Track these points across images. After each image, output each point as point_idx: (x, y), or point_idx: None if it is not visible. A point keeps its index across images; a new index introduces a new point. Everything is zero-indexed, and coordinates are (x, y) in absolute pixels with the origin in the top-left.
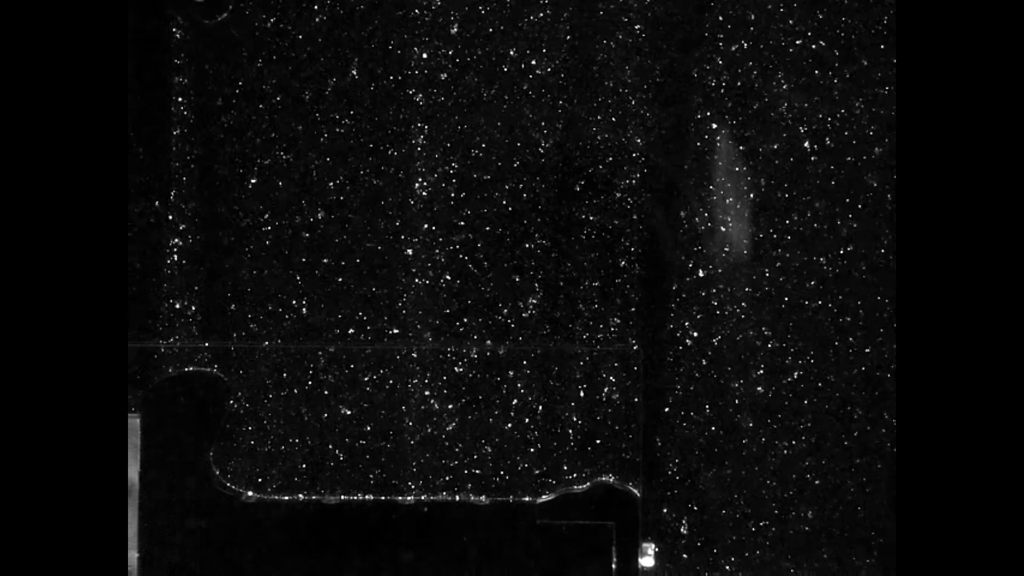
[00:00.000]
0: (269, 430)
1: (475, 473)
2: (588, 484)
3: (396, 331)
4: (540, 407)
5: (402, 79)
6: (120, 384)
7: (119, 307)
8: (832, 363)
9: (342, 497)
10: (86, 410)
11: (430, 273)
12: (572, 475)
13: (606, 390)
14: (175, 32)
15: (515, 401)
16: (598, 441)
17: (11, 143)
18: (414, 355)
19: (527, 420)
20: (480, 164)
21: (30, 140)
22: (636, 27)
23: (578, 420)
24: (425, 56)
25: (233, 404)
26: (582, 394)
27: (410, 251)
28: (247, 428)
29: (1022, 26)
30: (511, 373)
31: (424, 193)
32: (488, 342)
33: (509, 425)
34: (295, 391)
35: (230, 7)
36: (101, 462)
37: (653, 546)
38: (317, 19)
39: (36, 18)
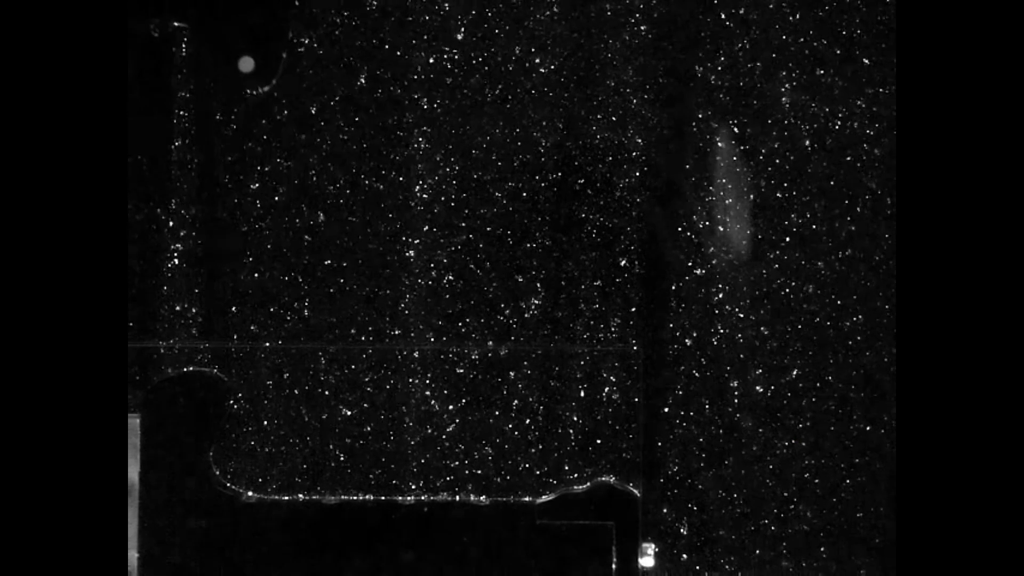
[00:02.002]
0: (269, 431)
1: (476, 473)
2: (588, 484)
3: (398, 332)
4: (541, 407)
5: (404, 81)
6: (120, 385)
7: (119, 309)
8: (832, 363)
9: (342, 497)
10: (86, 411)
11: (432, 274)
12: (573, 475)
13: (607, 390)
14: (176, 43)
15: (516, 401)
16: (599, 441)
17: (14, 150)
18: (415, 355)
19: (527, 420)
20: (481, 164)
21: (32, 147)
22: (638, 28)
23: (579, 420)
24: (427, 58)
25: (233, 405)
26: (582, 394)
27: (411, 252)
28: (247, 429)
29: (1022, 26)
30: (512, 373)
31: (425, 196)
32: (490, 343)
33: (510, 426)
34: (295, 392)
35: (274, 81)
36: (101, 462)
37: (653, 546)
38: (323, 26)
39: (37, 25)
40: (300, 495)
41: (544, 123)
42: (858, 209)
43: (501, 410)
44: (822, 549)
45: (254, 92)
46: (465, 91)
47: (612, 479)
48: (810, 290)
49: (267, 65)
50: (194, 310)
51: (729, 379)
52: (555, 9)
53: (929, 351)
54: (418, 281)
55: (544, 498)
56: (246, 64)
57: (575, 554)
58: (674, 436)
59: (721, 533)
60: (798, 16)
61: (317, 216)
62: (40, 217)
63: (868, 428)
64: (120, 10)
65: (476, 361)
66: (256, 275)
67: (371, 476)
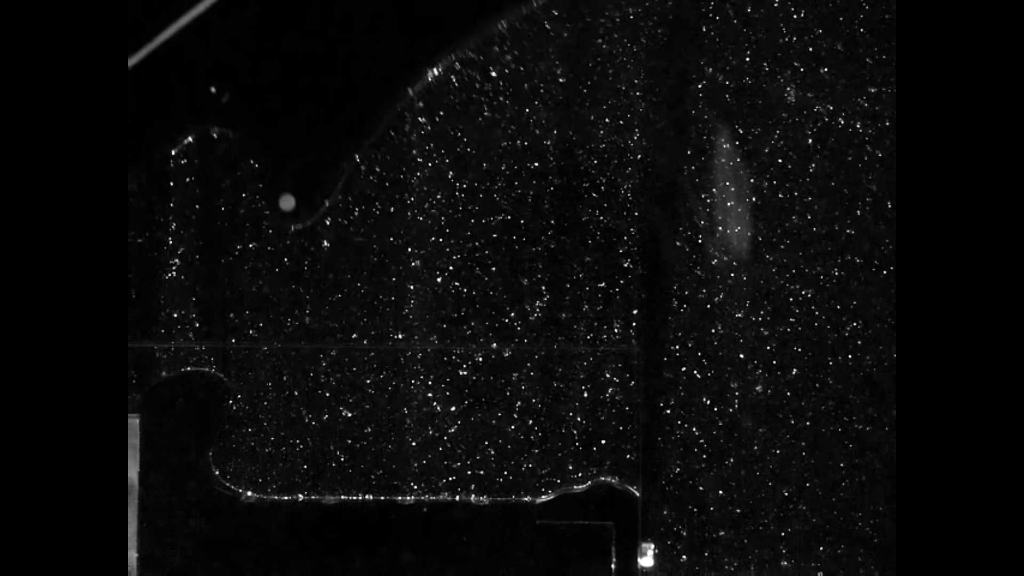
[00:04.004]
0: (269, 432)
1: (478, 474)
2: (588, 484)
3: (401, 335)
4: (542, 408)
5: (405, 83)
6: (120, 386)
7: (120, 311)
8: (832, 363)
9: (342, 497)
10: (87, 412)
11: (435, 276)
12: (577, 474)
13: (609, 391)
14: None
15: (518, 402)
16: (603, 442)
17: (16, 156)
18: (418, 357)
19: (530, 421)
20: (484, 167)
21: (34, 153)
22: (643, 30)
23: (581, 420)
24: (426, 58)
25: (233, 407)
26: (584, 395)
27: (415, 255)
28: (248, 430)
29: (1022, 26)
30: (514, 374)
31: (428, 197)
32: (494, 345)
33: (512, 427)
34: (295, 393)
35: (314, 216)
36: (101, 462)
37: (652, 546)
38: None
39: (40, 29)
40: (300, 495)
41: (548, 126)
42: (858, 212)
43: (503, 411)
44: (822, 549)
45: (296, 227)
46: (473, 96)
47: (613, 480)
48: (811, 293)
49: (311, 202)
50: (194, 315)
51: (729, 379)
52: (558, 12)
53: (929, 352)
54: (422, 283)
55: (544, 498)
56: (287, 203)
57: (575, 554)
58: (674, 436)
59: (721, 533)
60: (802, 14)
61: (318, 230)
62: (41, 220)
63: (868, 428)
64: (120, 12)
65: (479, 363)
66: (257, 281)
67: (372, 477)
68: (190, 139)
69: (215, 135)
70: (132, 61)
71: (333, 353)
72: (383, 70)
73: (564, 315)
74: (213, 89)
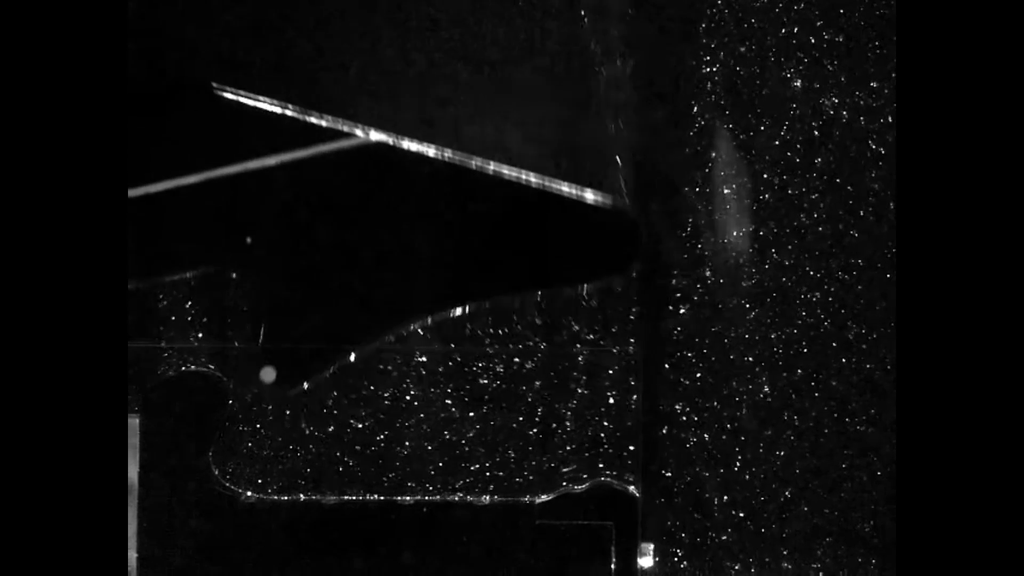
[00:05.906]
0: (268, 435)
1: (481, 476)
2: (588, 484)
3: (400, 337)
4: (541, 408)
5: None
6: (120, 385)
7: (119, 311)
8: (832, 363)
9: (344, 497)
10: (87, 411)
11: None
12: (577, 475)
13: (616, 392)
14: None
15: (518, 404)
16: (610, 445)
17: (16, 153)
18: (423, 360)
19: (531, 422)
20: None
21: (35, 151)
22: (637, 22)
23: (581, 420)
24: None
25: (235, 407)
26: (584, 395)
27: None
28: (246, 430)
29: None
30: (517, 377)
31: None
32: (491, 346)
33: (515, 429)
34: (291, 399)
35: (291, 392)
36: (101, 462)
37: (652, 546)
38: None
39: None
40: (300, 495)
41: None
42: (861, 213)
43: (505, 413)
44: (822, 549)
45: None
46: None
47: (614, 481)
48: (811, 289)
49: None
50: (193, 319)
51: (730, 379)
52: (551, 4)
53: (929, 350)
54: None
55: (544, 498)
56: (267, 375)
57: (575, 554)
58: (674, 436)
59: (722, 535)
60: (802, 8)
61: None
62: (41, 218)
63: (868, 428)
64: (121, 9)
65: (479, 364)
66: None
67: (375, 482)
68: (199, 271)
69: (234, 275)
70: (149, 190)
71: (335, 370)
72: (408, 289)
73: (565, 317)
74: (249, 239)
